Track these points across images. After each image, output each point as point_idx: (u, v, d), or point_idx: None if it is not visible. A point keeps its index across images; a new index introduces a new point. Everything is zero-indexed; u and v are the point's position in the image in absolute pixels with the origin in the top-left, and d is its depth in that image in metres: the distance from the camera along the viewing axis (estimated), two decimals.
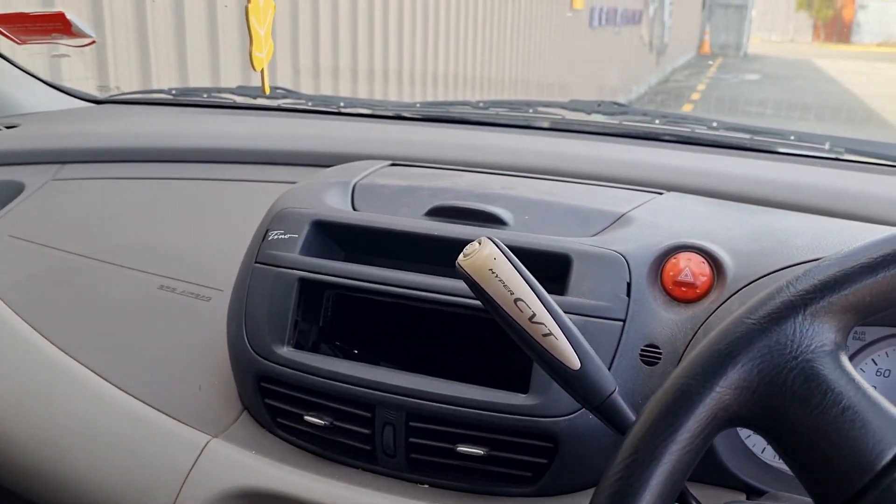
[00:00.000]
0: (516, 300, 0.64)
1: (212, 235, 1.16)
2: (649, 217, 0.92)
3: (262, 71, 1.19)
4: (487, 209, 0.92)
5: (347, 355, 0.93)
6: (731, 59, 19.28)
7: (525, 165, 1.16)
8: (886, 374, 0.88)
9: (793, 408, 0.46)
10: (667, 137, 1.39)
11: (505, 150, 1.25)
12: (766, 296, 0.48)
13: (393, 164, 1.15)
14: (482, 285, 0.65)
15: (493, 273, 0.64)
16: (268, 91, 1.24)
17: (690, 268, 0.82)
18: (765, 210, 1.01)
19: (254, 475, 0.86)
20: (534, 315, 0.64)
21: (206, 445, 0.89)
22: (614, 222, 0.91)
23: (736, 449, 0.84)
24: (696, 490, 0.75)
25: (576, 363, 0.65)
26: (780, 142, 1.34)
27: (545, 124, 1.48)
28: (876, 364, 0.88)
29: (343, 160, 1.18)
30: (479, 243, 0.65)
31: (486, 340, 0.90)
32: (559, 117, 1.49)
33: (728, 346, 0.47)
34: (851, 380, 0.46)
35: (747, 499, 0.80)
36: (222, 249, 1.10)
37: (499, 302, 0.64)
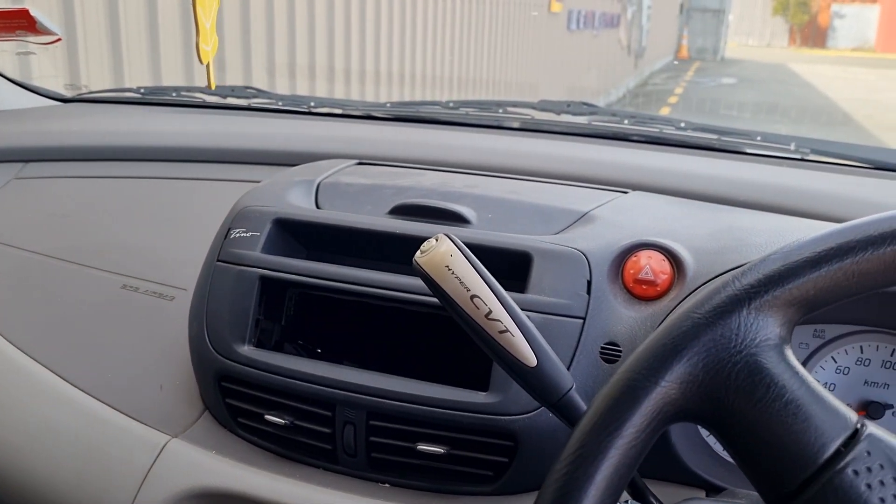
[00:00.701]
0: (472, 297, 0.64)
1: (176, 234, 1.15)
2: (612, 216, 0.92)
3: (207, 65, 1.17)
4: (450, 207, 0.92)
5: (310, 354, 0.93)
6: (709, 63, 19.44)
7: (492, 165, 1.16)
8: (846, 372, 0.89)
9: (737, 401, 0.46)
10: (635, 137, 1.39)
11: (473, 149, 1.25)
12: (712, 290, 0.48)
13: (360, 164, 1.14)
14: (438, 282, 0.64)
15: (449, 270, 0.64)
16: (213, 86, 1.23)
17: (651, 265, 0.82)
18: (728, 209, 1.02)
19: (213, 475, 0.85)
20: (490, 312, 0.64)
21: (165, 445, 0.88)
22: (577, 221, 0.91)
23: (696, 446, 0.84)
24: (655, 487, 0.76)
25: (532, 360, 0.64)
26: (746, 142, 1.35)
27: (515, 124, 1.48)
28: (836, 361, 0.89)
29: (310, 159, 1.18)
30: (437, 240, 0.65)
31: (448, 339, 0.89)
32: (528, 117, 1.50)
33: (673, 341, 0.47)
34: (795, 373, 0.46)
35: (707, 496, 0.81)
36: (186, 249, 1.09)
37: (455, 299, 0.64)
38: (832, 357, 0.89)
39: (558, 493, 0.46)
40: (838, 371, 0.89)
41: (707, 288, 0.49)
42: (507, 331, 0.64)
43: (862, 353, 0.88)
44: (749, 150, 1.32)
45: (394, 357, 0.89)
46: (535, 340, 0.65)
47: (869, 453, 0.44)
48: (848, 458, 0.44)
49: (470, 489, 0.82)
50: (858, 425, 0.46)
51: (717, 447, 0.86)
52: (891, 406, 0.87)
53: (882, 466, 0.44)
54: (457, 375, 0.83)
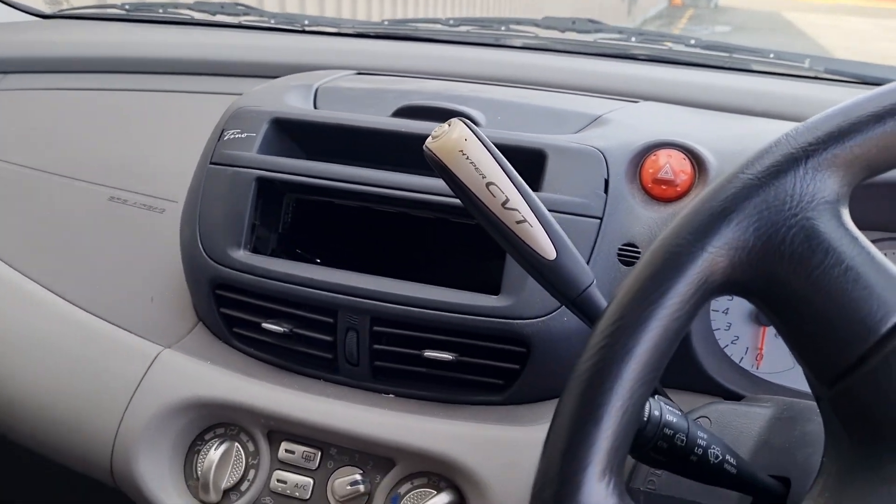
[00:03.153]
0: (488, 184, 0.60)
1: (165, 147, 1.09)
2: (627, 119, 0.87)
3: None
4: (458, 108, 0.87)
5: (310, 263, 0.88)
6: (702, 11, 19.16)
7: (497, 76, 1.11)
8: None
9: (791, 269, 0.42)
10: (643, 56, 1.33)
11: (477, 61, 1.19)
12: (764, 149, 0.44)
13: (360, 73, 1.09)
14: (452, 168, 0.60)
15: (463, 155, 0.59)
16: None
17: (671, 165, 0.78)
18: (748, 118, 0.97)
19: (207, 385, 0.81)
20: (507, 200, 0.60)
21: (157, 356, 0.84)
22: (591, 123, 0.86)
23: (715, 355, 0.81)
24: (675, 396, 0.72)
25: (551, 252, 0.60)
26: (758, 60, 1.30)
27: (517, 42, 1.42)
28: None
29: (305, 71, 1.12)
30: (450, 125, 0.60)
31: (456, 245, 0.85)
32: (532, 35, 1.43)
33: (721, 204, 0.43)
34: (854, 239, 0.42)
35: None
36: (176, 161, 1.03)
37: (469, 186, 0.59)
38: None
39: (595, 368, 0.42)
40: None
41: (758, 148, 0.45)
42: (524, 221, 0.60)
43: None
44: (761, 69, 1.27)
45: (398, 264, 0.85)
46: (555, 232, 0.61)
47: None
48: None
49: (478, 398, 0.79)
50: None
51: (736, 356, 0.83)
52: None
53: None
54: (465, 281, 0.79)
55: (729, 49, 1.33)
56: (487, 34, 1.46)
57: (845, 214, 0.43)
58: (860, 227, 0.84)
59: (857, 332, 0.41)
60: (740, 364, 0.83)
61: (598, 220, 0.76)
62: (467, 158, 0.59)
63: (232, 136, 0.87)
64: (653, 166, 0.78)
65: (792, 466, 0.59)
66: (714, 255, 0.42)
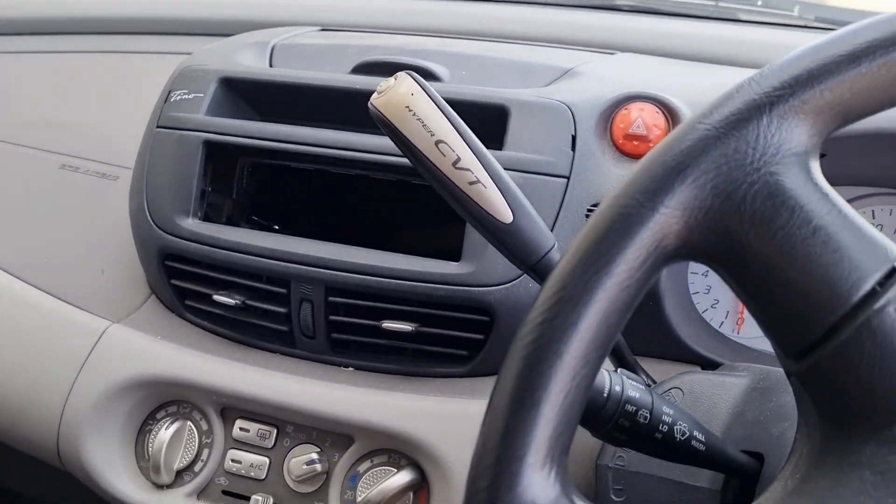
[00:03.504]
0: (438, 142, 0.55)
1: (120, 111, 1.03)
2: (600, 71, 0.82)
3: None
4: (419, 63, 0.81)
5: (267, 231, 0.84)
6: None
7: (471, 30, 1.05)
8: None
9: (753, 230, 0.37)
10: (626, 7, 1.27)
11: (448, 14, 1.13)
12: (724, 96, 0.39)
13: (323, 30, 1.03)
14: (398, 126, 0.55)
15: (410, 111, 0.55)
16: None
17: (643, 118, 0.73)
18: (730, 68, 0.92)
19: (156, 361, 0.76)
20: (458, 160, 0.55)
21: (104, 331, 0.80)
22: (561, 76, 0.81)
23: (692, 321, 0.76)
24: (647, 365, 0.68)
25: (507, 216, 0.56)
26: (746, 8, 1.24)
27: None
28: None
29: (270, 27, 1.06)
30: (396, 79, 0.55)
31: (419, 207, 0.80)
32: None
33: (675, 158, 0.37)
34: (825, 196, 0.37)
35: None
36: (131, 125, 0.97)
37: (417, 145, 0.55)
38: None
39: (533, 346, 0.37)
40: None
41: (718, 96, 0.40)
42: (478, 181, 0.55)
43: (874, 217, 0.80)
44: (749, 18, 1.21)
45: (357, 230, 0.80)
46: (511, 193, 0.56)
47: None
48: (890, 295, 0.35)
49: (442, 370, 0.74)
50: None
51: (715, 323, 0.79)
52: None
53: None
54: (428, 247, 0.74)
55: None
56: None
57: (815, 168, 0.38)
58: (841, 182, 0.80)
59: (827, 301, 0.36)
60: (720, 329, 0.79)
61: (565, 180, 0.71)
62: (414, 115, 0.55)
63: (179, 98, 0.82)
64: (624, 121, 0.73)
65: (766, 441, 0.55)
66: (667, 217, 0.37)
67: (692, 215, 0.37)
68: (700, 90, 0.78)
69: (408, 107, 0.55)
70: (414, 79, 0.55)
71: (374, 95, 0.55)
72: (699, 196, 0.37)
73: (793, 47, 1.06)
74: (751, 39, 1.01)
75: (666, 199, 0.37)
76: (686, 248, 0.38)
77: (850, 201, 0.80)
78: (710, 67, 0.92)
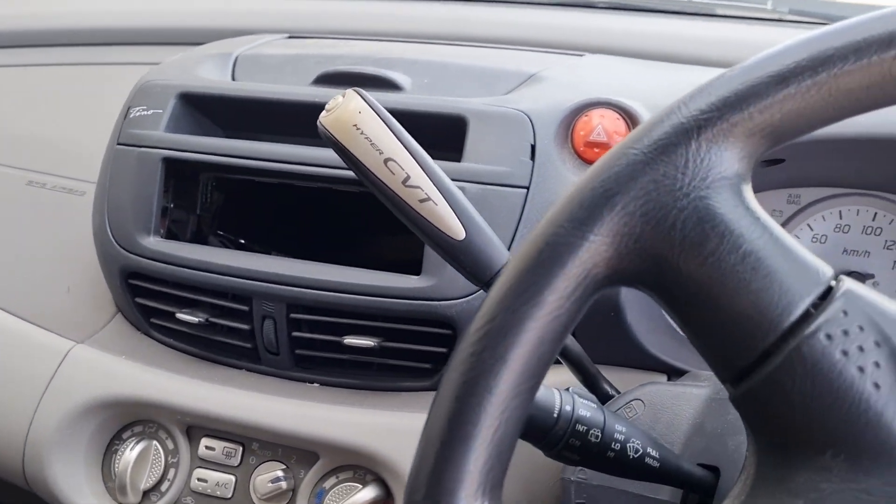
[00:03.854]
0: (386, 160, 0.54)
1: (88, 125, 1.02)
2: (562, 76, 0.81)
3: None
4: (380, 73, 0.81)
5: (234, 246, 0.83)
6: None
7: (435, 32, 1.04)
8: (823, 241, 0.80)
9: (683, 256, 0.36)
10: (602, 4, 1.26)
11: (417, 18, 1.12)
12: (653, 120, 0.38)
13: (291, 37, 1.02)
14: (346, 145, 0.54)
15: (357, 129, 0.54)
16: None
17: (603, 125, 0.72)
18: (698, 68, 0.91)
19: (121, 382, 0.76)
20: (408, 178, 0.54)
21: (69, 352, 0.79)
22: (523, 83, 0.80)
23: (656, 327, 0.76)
24: (612, 374, 0.68)
25: (460, 232, 0.55)
26: (719, 3, 1.23)
27: None
28: (812, 229, 0.80)
29: (238, 35, 1.05)
30: (343, 97, 0.55)
31: (383, 221, 0.80)
32: None
33: (603, 184, 0.37)
34: (756, 219, 0.37)
35: (668, 380, 0.73)
36: (99, 140, 0.97)
37: (366, 163, 0.54)
38: (808, 225, 0.80)
39: (463, 377, 0.37)
40: (815, 240, 0.80)
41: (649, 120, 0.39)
42: (428, 199, 0.55)
43: (841, 218, 0.79)
44: (723, 12, 1.20)
45: (325, 245, 0.80)
46: (463, 209, 0.55)
47: (846, 313, 0.35)
48: (820, 321, 0.34)
49: (407, 384, 0.74)
50: (833, 281, 0.36)
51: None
52: (871, 276, 0.79)
53: (861, 329, 0.34)
54: (392, 260, 0.74)
55: None
56: None
57: (747, 191, 0.38)
58: (808, 184, 0.79)
59: (758, 327, 0.35)
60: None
61: (525, 190, 0.70)
62: (362, 133, 0.54)
63: (138, 114, 0.81)
64: (584, 128, 0.73)
65: (722, 455, 0.55)
66: (597, 245, 0.37)
67: (622, 242, 0.37)
68: (666, 93, 0.77)
69: (355, 125, 0.54)
70: (362, 96, 0.55)
71: (323, 114, 0.55)
72: (629, 223, 0.37)
73: (763, 44, 1.05)
74: (723, 37, 1.01)
75: (595, 227, 0.37)
76: (618, 275, 0.38)
77: (816, 202, 0.79)
78: (680, 68, 0.91)
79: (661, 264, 0.37)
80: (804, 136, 0.38)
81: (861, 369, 0.34)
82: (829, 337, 0.34)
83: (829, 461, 0.34)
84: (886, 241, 0.79)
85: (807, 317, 0.35)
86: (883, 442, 0.33)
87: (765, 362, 0.35)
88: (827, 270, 0.36)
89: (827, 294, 0.36)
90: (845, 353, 0.34)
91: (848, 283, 0.36)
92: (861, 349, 0.34)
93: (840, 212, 0.79)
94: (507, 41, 1.01)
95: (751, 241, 0.36)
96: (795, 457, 0.36)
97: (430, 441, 0.37)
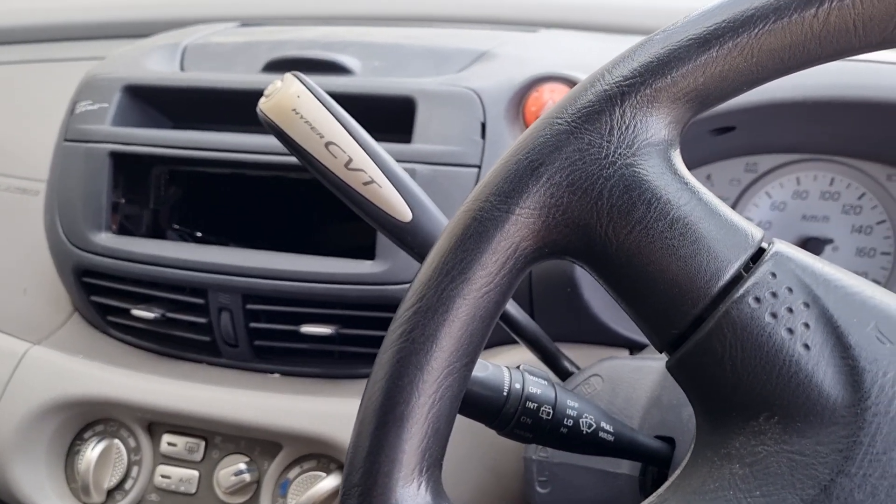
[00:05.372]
0: (328, 144, 0.53)
1: (40, 123, 1.01)
2: (514, 52, 0.80)
3: None
4: (329, 57, 0.79)
5: (191, 240, 0.82)
6: None
7: (392, 14, 1.03)
8: (782, 208, 0.80)
9: (612, 225, 0.36)
10: None
11: None
12: (577, 89, 0.37)
13: (243, 25, 1.01)
14: (285, 130, 0.53)
15: (297, 114, 0.53)
16: None
17: (554, 100, 0.71)
18: None
19: (80, 381, 0.75)
20: (350, 161, 0.53)
21: (25, 354, 0.78)
22: (474, 61, 0.79)
23: (614, 303, 0.75)
24: (573, 351, 0.67)
25: (406, 214, 0.54)
26: None
27: None
28: (770, 197, 0.80)
29: (190, 25, 1.03)
30: (282, 81, 0.54)
31: (335, 207, 0.79)
32: None
33: (528, 156, 0.36)
34: (684, 184, 0.36)
35: (630, 354, 0.73)
36: (48, 137, 0.95)
37: (307, 149, 0.53)
38: (766, 192, 0.80)
39: (394, 357, 0.36)
40: (774, 208, 0.80)
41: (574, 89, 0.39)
42: (372, 181, 0.54)
43: (798, 184, 0.79)
44: None
45: (281, 233, 0.79)
46: (408, 190, 0.54)
47: (774, 275, 0.34)
48: (748, 284, 0.34)
49: (366, 371, 0.73)
50: (764, 244, 0.36)
51: None
52: (830, 241, 0.79)
53: (790, 290, 0.34)
54: (348, 246, 0.73)
55: None
56: None
57: (675, 157, 0.37)
58: (764, 151, 0.79)
59: (688, 294, 0.35)
60: None
61: (477, 169, 0.69)
62: (301, 117, 0.53)
63: (84, 109, 0.80)
64: (535, 103, 0.72)
65: (677, 426, 0.55)
66: (524, 218, 0.36)
67: (550, 214, 0.36)
68: None
69: (294, 109, 0.53)
70: (301, 80, 0.54)
71: (262, 100, 0.54)
72: (555, 194, 0.36)
73: None
74: (683, 7, 1.00)
75: (521, 201, 0.36)
76: (548, 248, 0.37)
77: (774, 169, 0.79)
78: (634, 39, 0.91)
79: (590, 234, 0.36)
80: (731, 98, 0.38)
81: (790, 331, 0.33)
82: (757, 300, 0.34)
83: (763, 424, 0.34)
84: (844, 205, 0.79)
85: (736, 281, 0.35)
86: (814, 403, 0.33)
87: (697, 329, 0.35)
88: (757, 233, 0.36)
89: (757, 257, 0.35)
90: (774, 315, 0.34)
91: (778, 245, 0.35)
92: (790, 311, 0.34)
93: (797, 178, 0.79)
94: (463, 19, 1.00)
95: (678, 206, 0.35)
96: (731, 422, 0.35)
97: (365, 422, 0.36)
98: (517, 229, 0.36)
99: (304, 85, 0.54)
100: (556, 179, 0.36)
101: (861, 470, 0.32)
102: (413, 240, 0.55)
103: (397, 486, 0.36)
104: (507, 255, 0.36)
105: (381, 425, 0.36)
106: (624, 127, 0.36)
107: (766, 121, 0.73)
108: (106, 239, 0.75)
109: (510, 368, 0.51)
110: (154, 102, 0.81)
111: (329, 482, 0.69)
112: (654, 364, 0.61)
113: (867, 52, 0.35)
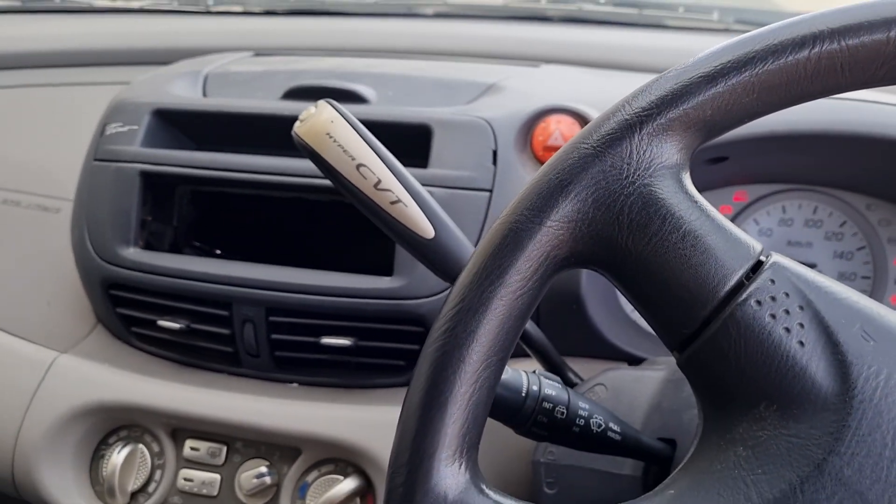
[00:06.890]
0: (358, 166, 0.58)
1: (61, 144, 1.05)
2: (521, 85, 0.86)
3: None
4: (346, 86, 0.85)
5: (210, 256, 0.86)
6: None
7: (399, 48, 1.09)
8: (769, 234, 0.86)
9: (631, 238, 0.41)
10: (555, 17, 1.32)
11: (381, 34, 1.16)
12: (601, 118, 0.43)
13: (257, 55, 1.06)
14: (320, 152, 0.58)
15: (330, 138, 0.58)
16: None
17: (561, 130, 0.77)
18: (651, 76, 0.96)
19: (106, 388, 0.79)
20: (379, 182, 0.58)
21: (53, 362, 0.82)
22: (483, 93, 0.85)
23: (618, 321, 0.81)
24: (576, 364, 0.72)
25: (429, 231, 0.59)
26: (668, 15, 1.29)
27: (429, 11, 1.40)
28: (758, 224, 0.85)
29: (208, 54, 1.08)
30: (316, 107, 0.59)
31: (354, 226, 0.84)
32: (442, 3, 1.41)
33: (558, 176, 0.41)
34: (693, 203, 0.41)
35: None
36: (72, 158, 1.00)
37: (339, 170, 0.58)
38: (754, 220, 0.85)
39: (439, 351, 0.41)
40: (761, 234, 0.86)
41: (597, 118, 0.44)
42: (399, 201, 0.59)
43: (784, 212, 0.85)
44: (672, 24, 1.27)
45: (299, 251, 0.83)
46: (431, 210, 0.59)
47: (773, 282, 0.40)
48: (751, 289, 0.39)
49: (382, 381, 0.78)
50: (763, 255, 0.41)
51: (639, 318, 0.83)
52: (814, 265, 0.84)
53: (787, 294, 0.39)
54: (364, 264, 0.78)
55: (638, 5, 1.32)
56: (399, 4, 1.43)
57: (685, 178, 0.42)
58: (752, 181, 0.85)
59: (698, 297, 0.40)
60: (644, 325, 0.83)
61: (489, 193, 0.75)
62: (335, 141, 0.58)
63: (114, 131, 0.84)
64: (543, 133, 0.77)
65: (678, 428, 0.60)
66: (554, 230, 0.41)
67: (577, 227, 0.41)
68: (617, 99, 0.82)
69: (328, 133, 0.58)
70: (333, 106, 0.59)
71: (297, 124, 0.59)
72: (582, 209, 0.41)
73: None
74: (672, 47, 1.06)
75: (552, 214, 0.41)
76: (574, 257, 0.42)
77: (761, 198, 0.85)
78: (632, 76, 0.97)
79: (612, 245, 0.42)
80: (735, 128, 0.43)
81: (787, 330, 0.38)
82: (758, 303, 0.39)
83: (764, 412, 0.39)
84: (826, 232, 0.84)
85: (739, 287, 0.40)
86: (808, 392, 0.38)
87: (705, 328, 0.40)
88: (757, 246, 0.41)
89: (757, 267, 0.41)
90: (773, 316, 0.39)
91: (775, 257, 0.41)
92: (787, 312, 0.39)
93: (783, 206, 0.85)
94: (467, 54, 1.05)
95: (689, 221, 0.41)
96: (735, 410, 0.40)
97: (411, 408, 0.41)
98: (548, 239, 0.41)
99: (337, 111, 0.59)
100: (583, 196, 0.41)
101: (850, 450, 0.37)
102: (434, 256, 0.59)
103: (441, 465, 0.40)
104: (539, 262, 0.41)
105: (427, 411, 0.40)
106: (642, 151, 0.41)
107: (756, 152, 0.79)
108: (134, 253, 0.80)
109: (527, 372, 0.56)
110: (180, 126, 0.86)
111: (347, 485, 0.73)
112: (653, 374, 0.66)
113: (854, 91, 0.41)
